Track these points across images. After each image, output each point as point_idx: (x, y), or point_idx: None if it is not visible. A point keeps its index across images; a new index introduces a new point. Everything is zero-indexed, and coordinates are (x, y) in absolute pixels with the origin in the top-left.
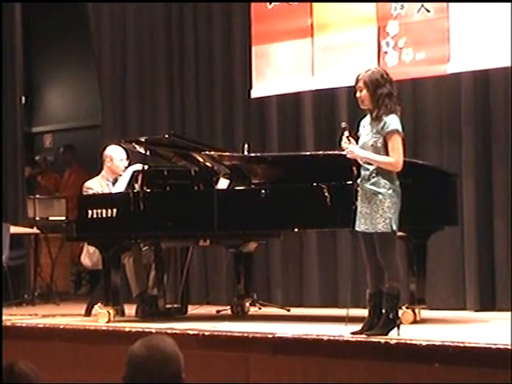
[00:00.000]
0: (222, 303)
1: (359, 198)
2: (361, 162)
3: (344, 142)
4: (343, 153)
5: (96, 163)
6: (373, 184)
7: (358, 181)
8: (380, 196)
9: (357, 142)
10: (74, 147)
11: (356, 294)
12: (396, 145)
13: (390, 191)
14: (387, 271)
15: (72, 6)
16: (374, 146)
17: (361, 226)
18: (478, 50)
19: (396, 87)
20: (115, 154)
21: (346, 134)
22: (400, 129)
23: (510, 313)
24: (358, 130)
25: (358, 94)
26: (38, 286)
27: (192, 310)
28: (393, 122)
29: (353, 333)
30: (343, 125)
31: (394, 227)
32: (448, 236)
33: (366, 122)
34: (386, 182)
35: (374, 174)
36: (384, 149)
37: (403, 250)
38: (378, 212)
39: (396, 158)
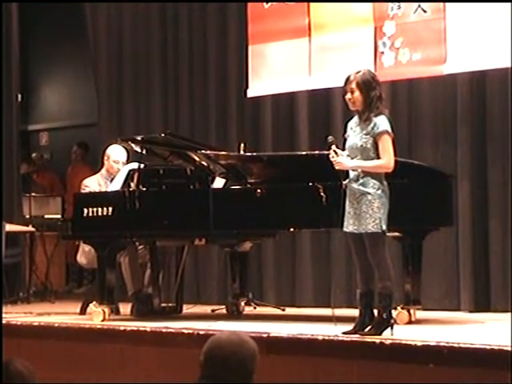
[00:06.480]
0: (213, 302)
1: (347, 198)
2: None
3: (331, 156)
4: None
5: (92, 161)
6: (361, 184)
7: (346, 181)
8: (369, 196)
9: (344, 144)
10: (87, 146)
11: (352, 293)
12: (386, 146)
13: (379, 191)
14: (378, 271)
15: (69, 4)
16: (363, 147)
17: (349, 226)
18: (475, 51)
19: (387, 89)
20: (113, 154)
21: (333, 147)
22: (390, 129)
23: (505, 314)
24: (345, 132)
25: (348, 96)
26: (33, 284)
27: (187, 309)
28: (382, 122)
29: (344, 333)
30: (330, 139)
31: (384, 227)
32: (443, 236)
33: (353, 123)
34: (374, 182)
35: (362, 175)
36: (374, 150)
37: (398, 251)
38: (367, 212)
39: (387, 159)
